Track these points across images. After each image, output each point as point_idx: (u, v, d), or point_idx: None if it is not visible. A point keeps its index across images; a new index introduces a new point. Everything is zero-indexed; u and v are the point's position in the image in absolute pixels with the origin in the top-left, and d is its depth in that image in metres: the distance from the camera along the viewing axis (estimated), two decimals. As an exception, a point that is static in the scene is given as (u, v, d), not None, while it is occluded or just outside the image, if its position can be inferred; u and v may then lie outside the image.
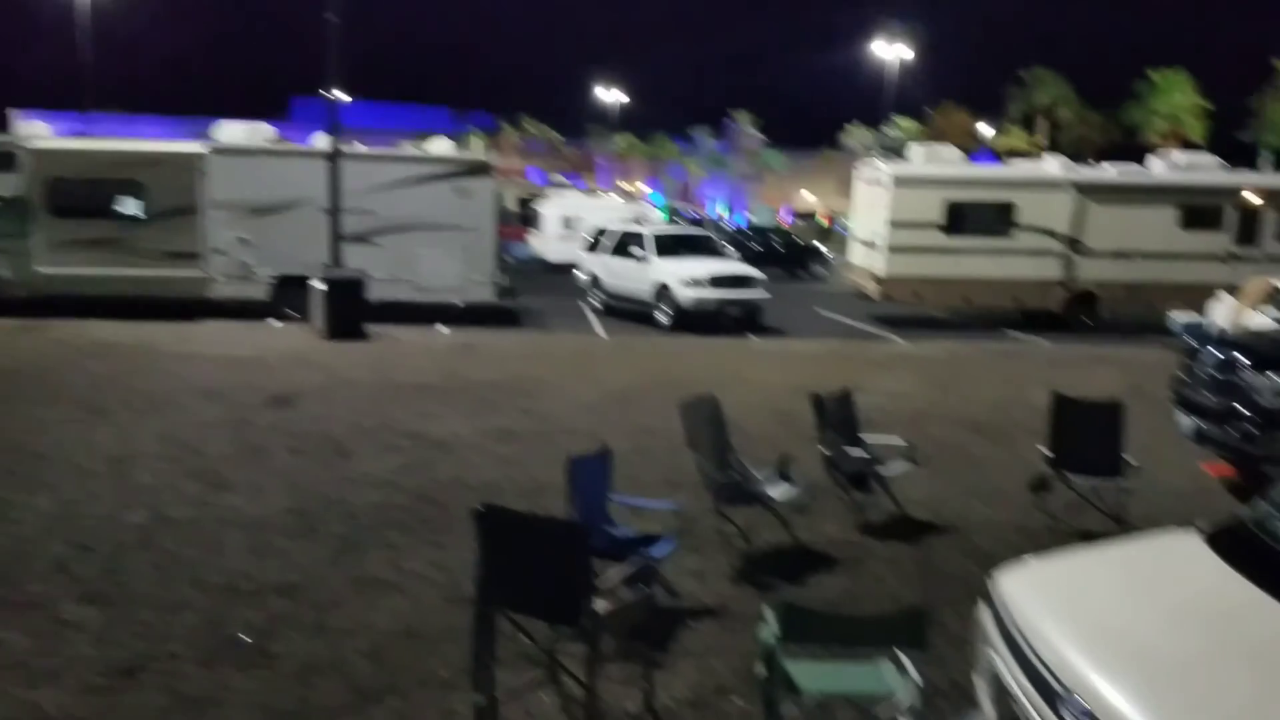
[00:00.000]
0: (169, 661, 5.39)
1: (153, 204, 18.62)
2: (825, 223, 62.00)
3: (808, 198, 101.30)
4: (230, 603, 6.16)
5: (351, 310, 17.10)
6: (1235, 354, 9.36)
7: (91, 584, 6.37)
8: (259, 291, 19.10)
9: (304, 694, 5.10)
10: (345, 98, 22.47)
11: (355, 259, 17.89)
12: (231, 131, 19.61)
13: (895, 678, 4.38)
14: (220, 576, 6.57)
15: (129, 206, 18.64)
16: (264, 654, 5.51)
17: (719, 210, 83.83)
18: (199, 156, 18.77)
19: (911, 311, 22.87)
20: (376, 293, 18.04)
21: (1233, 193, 22.12)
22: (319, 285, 17.24)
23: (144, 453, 9.51)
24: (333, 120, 17.30)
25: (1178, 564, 3.30)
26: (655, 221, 27.39)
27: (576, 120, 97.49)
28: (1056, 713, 2.70)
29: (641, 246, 21.16)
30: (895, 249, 21.42)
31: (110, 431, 10.25)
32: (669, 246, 21.31)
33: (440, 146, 21.13)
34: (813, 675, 4.51)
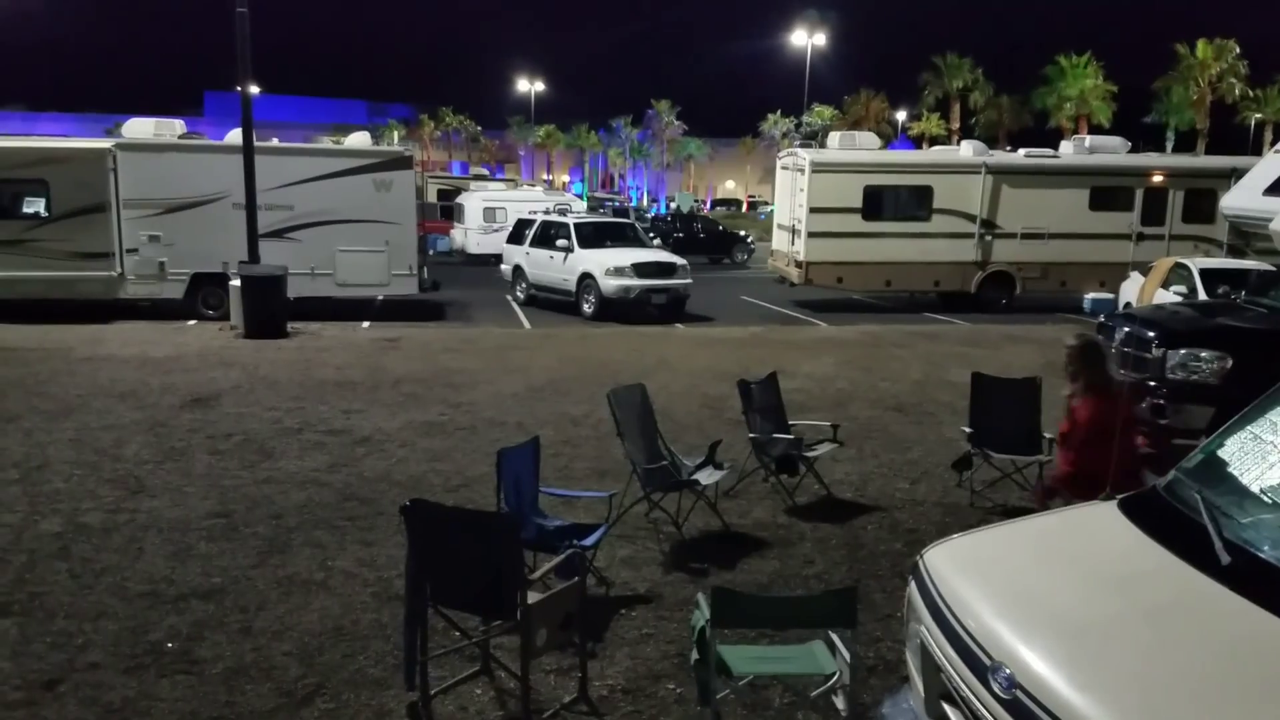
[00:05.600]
0: (90, 672, 5.24)
1: (60, 203, 18.05)
2: (745, 208, 62.59)
3: (729, 185, 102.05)
4: (152, 609, 6.01)
5: (271, 307, 16.76)
6: (1144, 330, 9.63)
7: (4, 594, 6.16)
8: (174, 291, 18.67)
9: (231, 699, 5.00)
10: (259, 91, 21.99)
11: (273, 255, 17.53)
12: (141, 127, 19.12)
13: (827, 658, 4.44)
14: (141, 583, 6.40)
15: (34, 206, 18.07)
16: (189, 659, 5.38)
17: (641, 199, 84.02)
18: (107, 153, 18.25)
19: (834, 296, 23.16)
20: (296, 289, 17.76)
21: (1139, 174, 22.77)
22: (236, 282, 16.89)
23: (57, 458, 9.21)
24: (247, 114, 16.92)
25: (1097, 534, 3.39)
26: (578, 211, 27.30)
27: (496, 112, 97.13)
28: (985, 684, 2.75)
29: (564, 237, 21.09)
30: (815, 234, 21.67)
31: (20, 437, 9.91)
32: (592, 236, 21.26)
33: (358, 140, 20.80)
34: (746, 658, 4.56)
